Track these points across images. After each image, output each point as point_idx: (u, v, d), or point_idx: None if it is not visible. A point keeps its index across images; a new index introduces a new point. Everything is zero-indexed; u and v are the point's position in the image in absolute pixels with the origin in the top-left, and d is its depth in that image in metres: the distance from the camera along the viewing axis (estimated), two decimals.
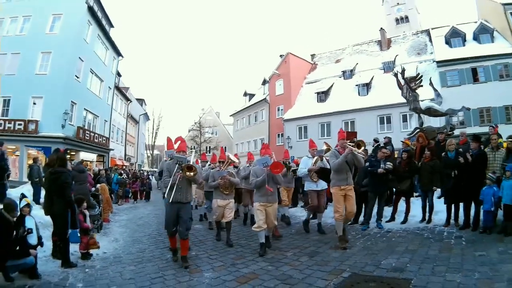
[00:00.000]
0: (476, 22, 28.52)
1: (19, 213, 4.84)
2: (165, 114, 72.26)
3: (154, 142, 59.26)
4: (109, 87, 28.26)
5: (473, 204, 6.84)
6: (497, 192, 6.31)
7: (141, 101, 47.66)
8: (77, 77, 21.79)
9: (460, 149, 7.55)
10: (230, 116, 46.78)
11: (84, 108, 23.20)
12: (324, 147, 8.42)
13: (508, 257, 4.83)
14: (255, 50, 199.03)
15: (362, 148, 6.13)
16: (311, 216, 8.08)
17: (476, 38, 26.74)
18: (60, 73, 20.10)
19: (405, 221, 7.98)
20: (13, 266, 4.54)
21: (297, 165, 9.35)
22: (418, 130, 11.42)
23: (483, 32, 26.48)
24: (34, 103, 20.04)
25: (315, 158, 7.76)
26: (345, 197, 6.27)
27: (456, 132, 11.97)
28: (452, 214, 7.27)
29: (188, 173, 5.35)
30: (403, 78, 11.13)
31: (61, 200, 5.28)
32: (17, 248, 4.62)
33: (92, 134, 24.10)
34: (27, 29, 21.07)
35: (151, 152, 60.42)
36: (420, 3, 71.94)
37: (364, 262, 5.08)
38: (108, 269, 5.37)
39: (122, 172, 20.54)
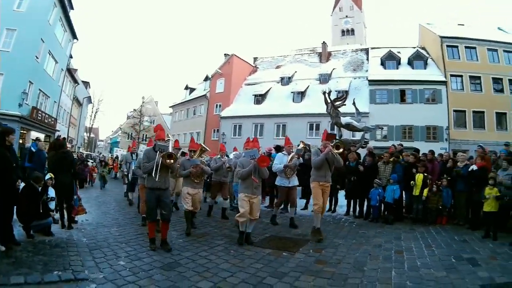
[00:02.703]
0: (414, 47, 31.69)
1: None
2: (105, 98, 72.50)
3: (92, 125, 58.38)
4: (62, 68, 28.52)
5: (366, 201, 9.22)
6: (381, 193, 8.69)
7: (86, 83, 46.99)
8: (37, 58, 22.10)
9: (360, 160, 9.96)
10: (170, 107, 48.22)
11: (39, 89, 23.54)
12: (301, 146, 8.65)
13: (381, 235, 7.19)
14: (200, 46, 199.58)
15: (341, 149, 6.59)
16: (279, 211, 8.36)
17: (410, 63, 29.63)
18: (23, 52, 20.28)
19: (334, 210, 9.90)
20: (37, 225, 5.85)
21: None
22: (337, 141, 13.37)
23: (418, 59, 29.45)
24: None
25: (291, 155, 8.02)
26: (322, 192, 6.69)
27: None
28: (352, 208, 9.62)
29: (168, 161, 5.53)
30: (329, 97, 13.38)
31: (68, 174, 6.82)
32: (41, 211, 5.94)
33: (44, 114, 24.53)
34: None
35: (88, 135, 59.28)
36: (368, 19, 76.37)
37: (280, 231, 7.38)
38: (97, 230, 6.90)
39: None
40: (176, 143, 10.01)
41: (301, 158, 8.34)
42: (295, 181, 8.10)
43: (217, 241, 6.39)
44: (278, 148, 9.85)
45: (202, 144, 7.88)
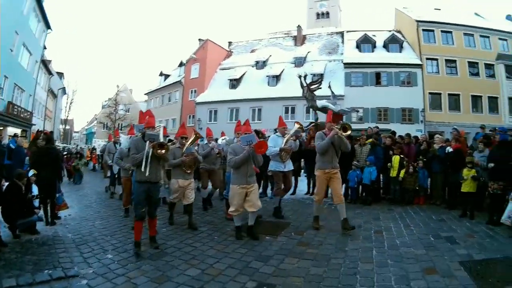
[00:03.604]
0: (389, 31, 32.14)
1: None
2: (79, 89, 71.39)
3: (67, 116, 57.25)
4: (36, 60, 27.68)
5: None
6: (359, 175, 8.96)
7: (60, 74, 45.64)
8: (11, 51, 21.30)
9: None
10: (145, 94, 48.02)
11: (14, 83, 22.81)
12: (296, 126, 7.73)
13: (360, 216, 7.50)
14: (174, 32, 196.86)
15: (349, 131, 6.10)
16: (279, 201, 7.50)
17: (385, 46, 30.05)
18: None
19: (294, 193, 10.00)
20: (22, 223, 5.75)
21: None
22: (313, 123, 13.47)
23: (393, 42, 29.88)
24: None
25: (286, 137, 7.31)
26: (329, 180, 6.17)
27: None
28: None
29: (159, 151, 5.06)
30: (305, 81, 13.52)
31: (51, 170, 6.74)
32: (25, 209, 5.83)
33: (20, 109, 23.91)
34: None
35: (64, 126, 57.96)
36: (343, 2, 76.05)
37: (261, 214, 7.27)
38: (81, 224, 6.86)
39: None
40: (164, 131, 9.62)
41: (298, 141, 7.68)
42: (290, 165, 7.50)
43: (200, 228, 6.49)
44: (257, 132, 9.74)
45: (195, 130, 7.35)
